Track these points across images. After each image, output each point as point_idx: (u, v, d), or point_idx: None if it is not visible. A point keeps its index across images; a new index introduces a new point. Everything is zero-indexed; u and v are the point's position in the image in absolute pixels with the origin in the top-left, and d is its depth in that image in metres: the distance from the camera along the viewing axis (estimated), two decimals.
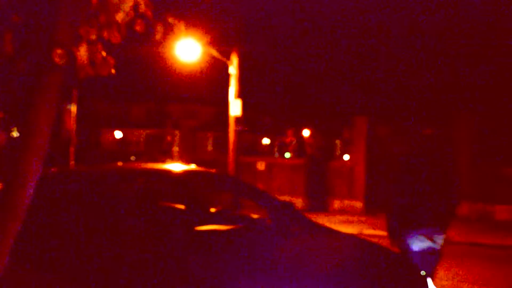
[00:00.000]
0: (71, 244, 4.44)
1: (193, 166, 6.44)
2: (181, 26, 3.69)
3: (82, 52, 3.27)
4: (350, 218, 18.47)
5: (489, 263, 11.41)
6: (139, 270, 4.02)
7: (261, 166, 22.39)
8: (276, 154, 23.84)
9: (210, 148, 54.88)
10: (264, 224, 5.54)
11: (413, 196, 5.74)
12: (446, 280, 9.34)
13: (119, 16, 3.36)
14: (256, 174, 21.91)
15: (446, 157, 6.23)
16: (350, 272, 4.24)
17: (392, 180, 6.06)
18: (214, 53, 18.76)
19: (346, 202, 20.49)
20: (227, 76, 19.36)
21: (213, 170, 6.47)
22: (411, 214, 5.72)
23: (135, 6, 3.42)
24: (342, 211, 20.04)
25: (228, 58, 19.10)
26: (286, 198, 17.46)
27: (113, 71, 3.52)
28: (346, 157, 22.70)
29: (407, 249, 5.60)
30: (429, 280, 4.67)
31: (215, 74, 24.41)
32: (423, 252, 5.65)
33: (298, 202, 19.88)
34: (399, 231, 5.80)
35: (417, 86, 23.55)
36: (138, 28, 3.50)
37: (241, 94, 19.22)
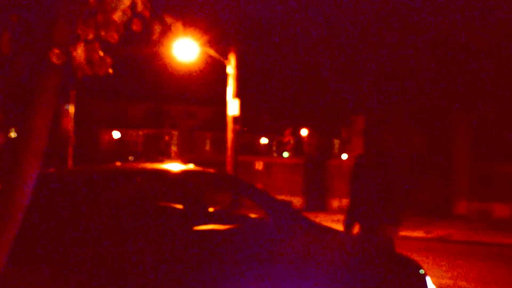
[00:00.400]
0: (69, 245, 4.44)
1: (191, 166, 6.44)
2: (179, 25, 3.68)
3: (80, 52, 3.26)
4: None
5: (488, 262, 11.43)
6: (138, 270, 4.01)
7: (259, 165, 22.39)
8: (274, 154, 23.85)
9: (208, 147, 54.96)
10: (263, 224, 5.54)
11: (364, 193, 6.25)
12: (445, 279, 9.35)
13: (117, 16, 3.35)
14: (255, 173, 21.92)
15: (398, 162, 6.81)
16: (349, 271, 4.24)
17: (352, 176, 6.60)
18: (212, 52, 18.76)
19: (345, 201, 20.43)
20: (225, 75, 19.37)
21: (212, 170, 6.46)
22: (364, 209, 6.19)
23: (132, 6, 3.42)
24: (340, 210, 20.03)
25: (226, 57, 19.11)
26: (284, 197, 17.47)
27: (110, 71, 3.51)
28: (345, 156, 22.72)
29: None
30: (428, 279, 4.67)
31: (213, 74, 24.43)
32: None
33: (297, 201, 19.90)
34: (353, 223, 6.39)
35: (416, 85, 23.57)
36: (135, 27, 3.49)
37: (239, 94, 19.22)
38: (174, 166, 6.03)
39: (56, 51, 3.15)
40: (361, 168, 6.52)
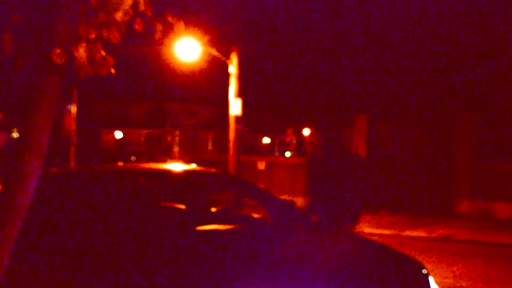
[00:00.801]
0: (71, 245, 4.43)
1: (193, 166, 6.43)
2: (181, 25, 3.67)
3: (81, 51, 3.26)
4: None
5: (490, 261, 11.41)
6: (140, 271, 4.01)
7: (261, 165, 22.39)
8: (277, 153, 23.83)
9: (210, 147, 54.97)
10: (265, 224, 5.53)
11: (323, 190, 6.47)
12: (448, 278, 9.34)
13: (118, 15, 3.35)
14: (257, 173, 21.91)
15: (355, 160, 7.07)
16: (351, 270, 4.23)
17: (309, 175, 6.84)
18: (214, 52, 18.75)
19: None
20: (227, 75, 19.35)
21: (214, 170, 6.46)
22: (321, 206, 6.42)
23: (134, 5, 3.41)
24: None
25: (228, 57, 19.09)
26: (286, 197, 17.44)
27: (112, 70, 3.50)
28: None
29: None
30: (430, 278, 4.66)
31: (215, 73, 24.41)
32: None
33: (299, 201, 19.86)
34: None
35: (417, 84, 23.57)
36: (137, 27, 3.48)
37: (241, 93, 19.20)
38: (176, 166, 6.03)
39: (58, 50, 3.15)
40: (319, 166, 6.71)
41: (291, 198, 6.45)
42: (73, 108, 28.48)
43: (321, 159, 6.82)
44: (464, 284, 9.21)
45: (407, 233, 15.08)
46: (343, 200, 6.46)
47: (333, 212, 6.41)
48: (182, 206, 5.35)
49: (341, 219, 6.38)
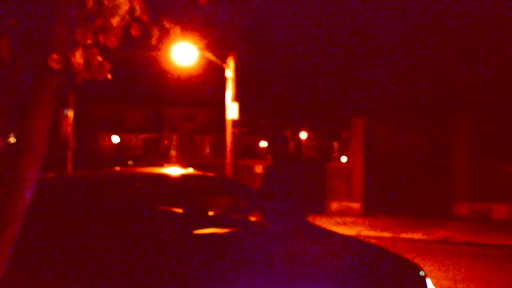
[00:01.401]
0: (69, 249, 4.44)
1: (190, 170, 6.44)
2: (177, 30, 3.69)
3: (78, 57, 3.27)
4: (348, 219, 18.49)
5: (488, 263, 11.42)
6: (137, 275, 4.01)
7: (259, 169, 22.40)
8: None
9: (207, 151, 54.96)
10: (263, 227, 5.54)
11: (271, 195, 6.77)
12: (445, 280, 9.35)
13: (115, 20, 3.36)
14: (254, 177, 21.90)
15: (296, 170, 7.52)
16: (349, 274, 4.24)
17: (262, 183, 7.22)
18: (211, 56, 18.77)
19: (344, 203, 20.49)
20: (223, 79, 19.37)
21: (211, 174, 6.47)
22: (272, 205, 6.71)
23: (131, 10, 3.42)
24: (340, 213, 20.05)
25: (225, 61, 19.11)
26: None
27: (109, 75, 3.52)
28: (344, 158, 22.74)
29: None
30: (428, 280, 4.67)
31: (211, 77, 24.43)
32: None
33: None
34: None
35: (415, 87, 23.60)
36: (133, 32, 3.50)
37: (238, 97, 19.22)
38: (174, 170, 6.04)
39: (55, 56, 3.15)
40: (270, 174, 7.11)
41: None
42: (70, 113, 28.48)
43: (273, 165, 7.24)
44: (462, 286, 9.22)
45: (405, 235, 15.09)
46: (289, 200, 6.77)
47: (281, 211, 6.65)
48: (180, 210, 5.36)
49: (287, 217, 6.61)
